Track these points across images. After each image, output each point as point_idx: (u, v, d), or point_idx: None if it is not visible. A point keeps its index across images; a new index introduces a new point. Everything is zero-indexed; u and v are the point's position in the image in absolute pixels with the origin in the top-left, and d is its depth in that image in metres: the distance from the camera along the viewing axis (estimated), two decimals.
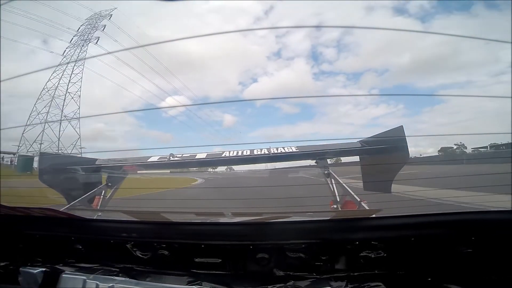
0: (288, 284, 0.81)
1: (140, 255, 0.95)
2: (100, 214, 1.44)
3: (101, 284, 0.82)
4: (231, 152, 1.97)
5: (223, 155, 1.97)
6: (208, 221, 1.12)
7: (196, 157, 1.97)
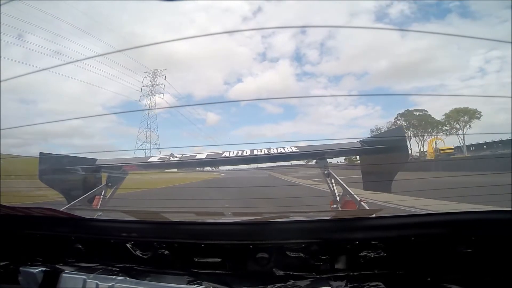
0: (288, 283, 0.81)
1: (140, 255, 0.95)
2: (100, 213, 1.44)
3: (101, 284, 0.82)
4: (231, 152, 1.97)
5: (223, 155, 1.97)
6: (208, 220, 1.13)
7: (196, 157, 1.97)
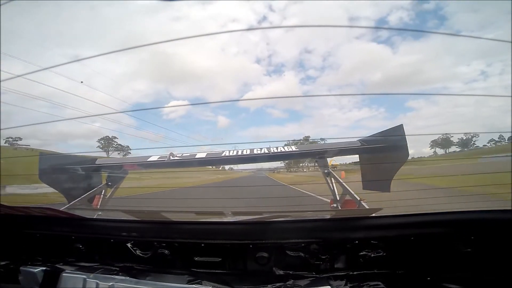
0: (287, 283, 0.81)
1: (140, 254, 0.95)
2: (100, 213, 1.44)
3: (101, 283, 0.82)
4: (231, 152, 1.97)
5: (223, 155, 1.96)
6: (208, 220, 1.12)
7: (196, 156, 1.97)
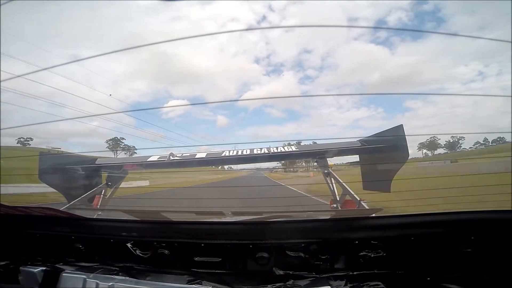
0: (287, 283, 0.81)
1: (140, 254, 0.95)
2: (100, 213, 1.44)
3: (101, 283, 0.82)
4: (231, 152, 1.96)
5: (223, 155, 1.96)
6: (208, 220, 1.13)
7: (196, 156, 1.97)
